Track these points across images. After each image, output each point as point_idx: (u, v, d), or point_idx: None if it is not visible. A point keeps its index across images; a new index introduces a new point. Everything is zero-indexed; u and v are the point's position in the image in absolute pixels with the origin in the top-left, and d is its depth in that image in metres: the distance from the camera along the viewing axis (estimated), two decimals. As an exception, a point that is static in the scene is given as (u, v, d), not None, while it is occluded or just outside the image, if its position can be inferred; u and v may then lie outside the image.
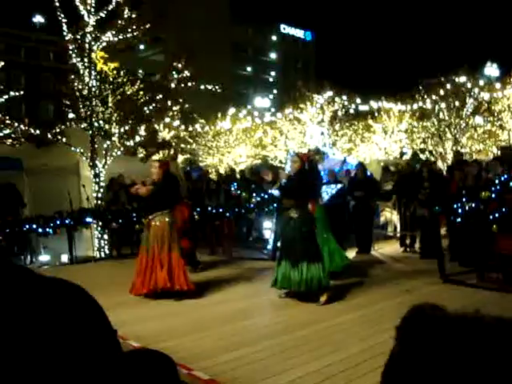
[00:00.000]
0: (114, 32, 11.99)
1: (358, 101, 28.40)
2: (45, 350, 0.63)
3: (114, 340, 0.73)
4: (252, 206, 11.10)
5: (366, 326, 5.46)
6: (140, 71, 13.98)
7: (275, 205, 11.03)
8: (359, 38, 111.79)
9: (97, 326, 0.70)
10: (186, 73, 13.36)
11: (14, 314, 0.64)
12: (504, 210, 7.30)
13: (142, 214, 7.76)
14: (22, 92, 24.82)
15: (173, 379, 1.01)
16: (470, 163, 10.71)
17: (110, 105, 12.57)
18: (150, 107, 13.14)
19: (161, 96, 13.33)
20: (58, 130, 12.56)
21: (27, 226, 10.76)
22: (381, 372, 0.76)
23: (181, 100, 14.59)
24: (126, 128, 12.79)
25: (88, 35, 11.88)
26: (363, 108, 28.49)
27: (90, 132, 12.11)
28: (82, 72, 12.08)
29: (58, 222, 10.90)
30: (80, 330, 0.67)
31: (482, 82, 25.09)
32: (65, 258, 11.29)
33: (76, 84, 12.32)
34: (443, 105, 24.17)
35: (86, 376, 0.65)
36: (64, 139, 12.31)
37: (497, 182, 7.86)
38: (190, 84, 13.72)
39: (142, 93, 13.22)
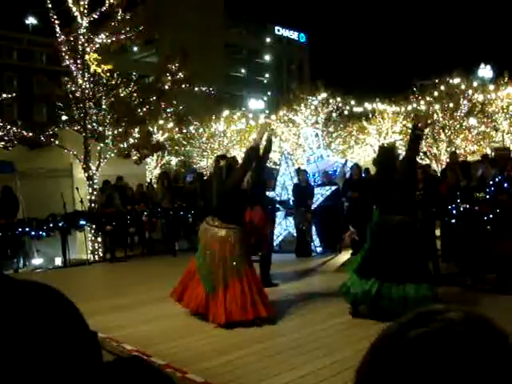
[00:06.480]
0: (107, 34, 11.96)
1: (353, 102, 28.48)
2: (14, 355, 0.60)
3: (94, 343, 0.70)
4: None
5: (359, 329, 5.44)
6: (134, 73, 13.91)
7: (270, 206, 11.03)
8: (354, 39, 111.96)
9: (72, 328, 0.67)
10: (180, 74, 13.32)
11: None
12: (498, 210, 7.32)
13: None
14: (14, 94, 24.73)
15: None
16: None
17: (104, 107, 12.53)
18: (144, 109, 13.09)
19: (154, 98, 13.30)
20: (51, 133, 12.50)
21: (20, 229, 10.68)
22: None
23: (175, 102, 14.53)
24: (120, 130, 12.75)
25: (81, 37, 11.84)
26: (357, 110, 28.56)
27: (84, 134, 12.06)
28: (75, 74, 12.03)
29: (52, 225, 10.83)
30: (54, 333, 0.64)
31: (475, 84, 25.20)
32: (58, 261, 11.24)
33: (69, 86, 12.26)
34: (437, 106, 24.25)
35: (60, 380, 0.63)
36: (57, 141, 12.25)
37: (491, 182, 7.87)
38: (183, 86, 13.68)
39: (135, 95, 13.16)
